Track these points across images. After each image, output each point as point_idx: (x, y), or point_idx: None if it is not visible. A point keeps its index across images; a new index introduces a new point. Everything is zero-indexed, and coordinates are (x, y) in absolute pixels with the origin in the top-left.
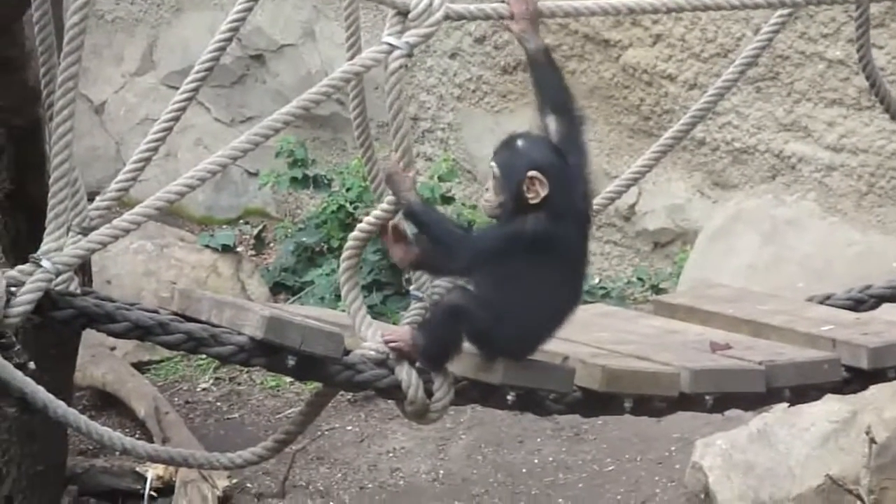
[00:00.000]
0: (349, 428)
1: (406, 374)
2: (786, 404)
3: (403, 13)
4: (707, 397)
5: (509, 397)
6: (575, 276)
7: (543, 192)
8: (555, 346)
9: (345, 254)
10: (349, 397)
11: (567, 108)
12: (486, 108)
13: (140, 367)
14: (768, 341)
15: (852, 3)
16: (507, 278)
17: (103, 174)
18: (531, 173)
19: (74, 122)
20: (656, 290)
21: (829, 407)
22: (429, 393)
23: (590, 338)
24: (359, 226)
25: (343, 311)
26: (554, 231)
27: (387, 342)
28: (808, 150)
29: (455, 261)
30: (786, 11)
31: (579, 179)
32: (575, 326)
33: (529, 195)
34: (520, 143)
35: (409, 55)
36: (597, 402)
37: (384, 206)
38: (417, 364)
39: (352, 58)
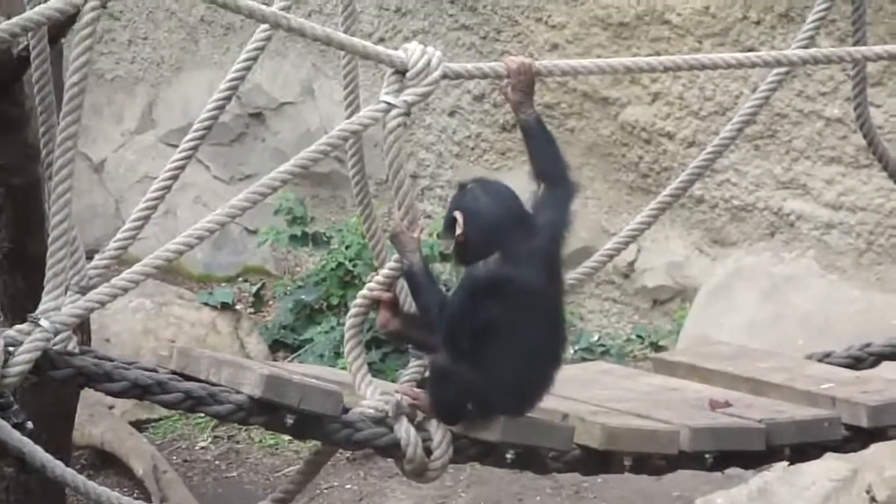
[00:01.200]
0: (348, 486)
1: (405, 433)
2: (786, 462)
3: (401, 72)
4: (707, 455)
5: (508, 455)
6: (551, 327)
7: (458, 231)
8: (554, 404)
9: (352, 311)
10: (348, 455)
11: (558, 175)
12: (484, 166)
13: (138, 425)
14: (768, 399)
15: (849, 63)
16: (483, 331)
17: (102, 232)
18: (455, 213)
19: (73, 181)
20: (656, 347)
21: (830, 465)
22: (428, 451)
23: (589, 395)
24: (367, 285)
25: (342, 368)
26: (508, 273)
27: (408, 403)
28: (807, 208)
29: (435, 331)
30: (783, 70)
31: (539, 232)
32: (574, 384)
33: (457, 235)
34: (468, 186)
35: (407, 114)
36: (596, 461)
37: (392, 264)
38: (416, 421)
39: (350, 115)
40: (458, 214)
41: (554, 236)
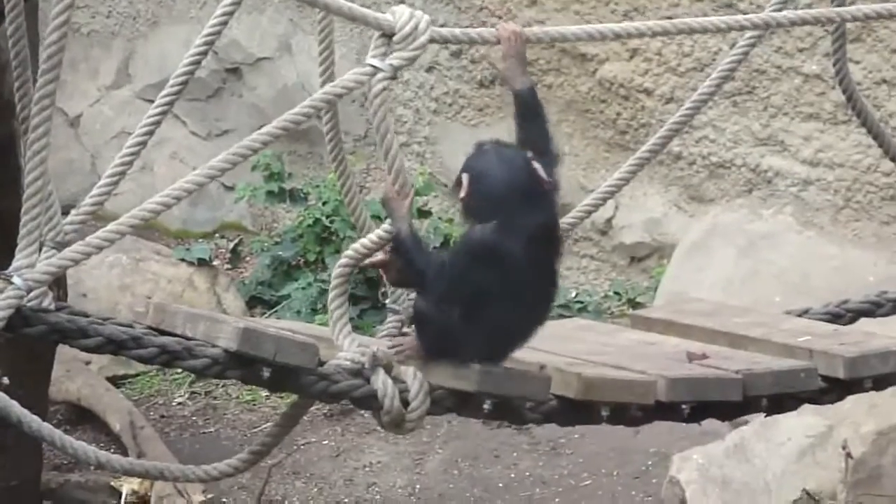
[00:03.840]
0: (325, 442)
1: (382, 384)
2: (762, 416)
3: (388, 35)
4: (683, 406)
5: (485, 406)
6: (539, 293)
7: (461, 193)
8: (531, 356)
9: (341, 261)
10: (325, 411)
11: (545, 150)
12: (462, 122)
13: (115, 381)
14: (745, 352)
15: (836, 23)
16: (470, 285)
17: (78, 188)
18: (462, 174)
19: (50, 137)
20: (633, 304)
21: (806, 421)
22: (405, 402)
23: (566, 349)
24: (361, 241)
25: (321, 325)
26: (497, 243)
27: (396, 352)
28: (785, 165)
29: (432, 291)
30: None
31: (542, 206)
32: (552, 339)
33: (460, 196)
34: (483, 147)
35: (394, 78)
36: (573, 411)
37: (386, 227)
38: (393, 374)
39: (325, 72)
40: (464, 176)
41: (554, 211)
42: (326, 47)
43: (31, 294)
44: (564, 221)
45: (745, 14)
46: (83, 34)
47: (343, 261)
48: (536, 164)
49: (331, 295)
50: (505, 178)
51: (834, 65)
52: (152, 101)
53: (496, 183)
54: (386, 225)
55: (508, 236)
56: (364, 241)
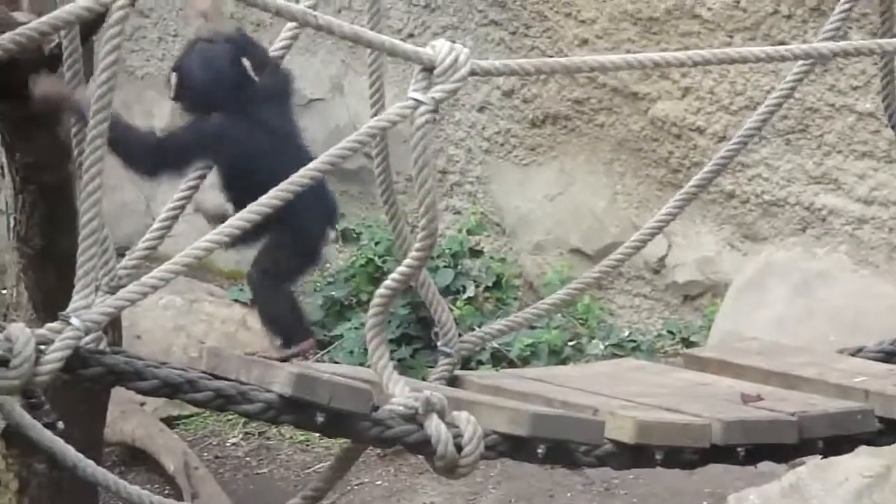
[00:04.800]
0: (378, 483)
1: (435, 429)
2: (818, 457)
3: (429, 69)
4: (739, 449)
5: (539, 450)
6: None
7: (171, 93)
8: (585, 399)
9: (372, 310)
10: (379, 452)
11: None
12: (514, 161)
13: (169, 422)
14: (800, 393)
15: (879, 55)
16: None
17: (133, 230)
18: (170, 73)
19: (104, 178)
20: (686, 343)
21: (863, 462)
22: (458, 447)
23: (619, 391)
24: (385, 283)
25: (369, 366)
26: (217, 131)
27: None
28: (839, 203)
29: (138, 166)
30: (808, 62)
31: (258, 97)
32: (604, 379)
33: (170, 94)
34: (194, 46)
35: (435, 111)
36: (627, 455)
37: (409, 261)
38: (447, 419)
39: (376, 112)
40: (172, 75)
41: (278, 106)
42: (377, 89)
43: (88, 336)
44: (614, 257)
45: None
46: (137, 77)
47: (377, 299)
48: (245, 60)
49: (369, 343)
50: (209, 74)
51: (883, 101)
52: None
53: (201, 81)
54: (414, 253)
55: (229, 124)
56: (394, 274)
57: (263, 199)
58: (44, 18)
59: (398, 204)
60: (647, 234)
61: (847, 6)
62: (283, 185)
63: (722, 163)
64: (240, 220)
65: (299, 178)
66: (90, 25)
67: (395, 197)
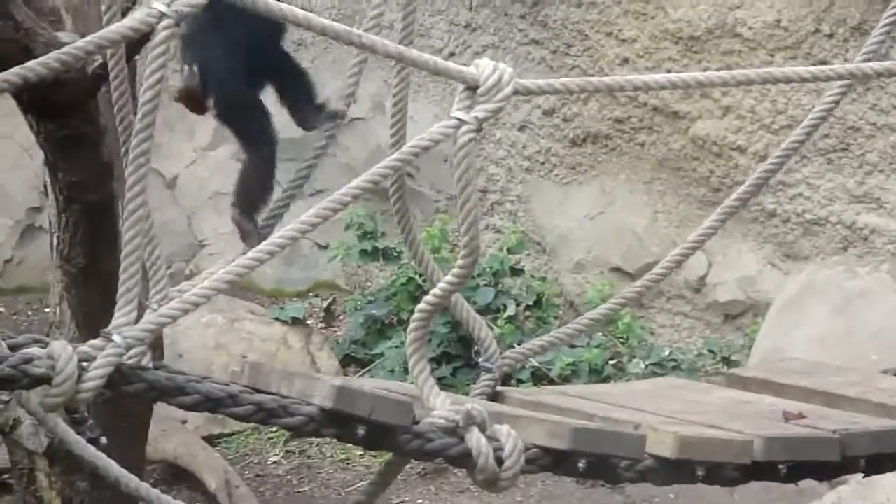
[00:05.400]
0: (419, 501)
1: (476, 443)
2: (860, 475)
3: (472, 88)
4: (780, 466)
5: (580, 464)
6: None
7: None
8: (626, 416)
9: (412, 325)
10: (419, 470)
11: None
12: (554, 180)
13: (211, 440)
14: (842, 411)
15: None
16: None
17: (174, 248)
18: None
19: (147, 197)
20: (727, 362)
21: None
22: (499, 461)
23: (661, 408)
24: (425, 298)
25: (412, 383)
26: None
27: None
28: (881, 222)
29: None
30: (846, 81)
31: None
32: (646, 397)
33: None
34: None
35: (479, 130)
36: (669, 470)
37: (450, 277)
38: (487, 433)
39: (397, 127)
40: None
41: None
42: (400, 108)
43: (131, 352)
44: (654, 273)
45: None
46: None
47: (417, 314)
48: None
49: (410, 358)
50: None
51: None
52: None
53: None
54: (455, 271)
55: None
56: (435, 290)
57: (304, 217)
58: (89, 38)
59: (415, 230)
60: (687, 251)
61: (888, 25)
62: (324, 203)
63: (762, 180)
64: (280, 238)
65: (341, 195)
66: (134, 45)
67: (412, 224)
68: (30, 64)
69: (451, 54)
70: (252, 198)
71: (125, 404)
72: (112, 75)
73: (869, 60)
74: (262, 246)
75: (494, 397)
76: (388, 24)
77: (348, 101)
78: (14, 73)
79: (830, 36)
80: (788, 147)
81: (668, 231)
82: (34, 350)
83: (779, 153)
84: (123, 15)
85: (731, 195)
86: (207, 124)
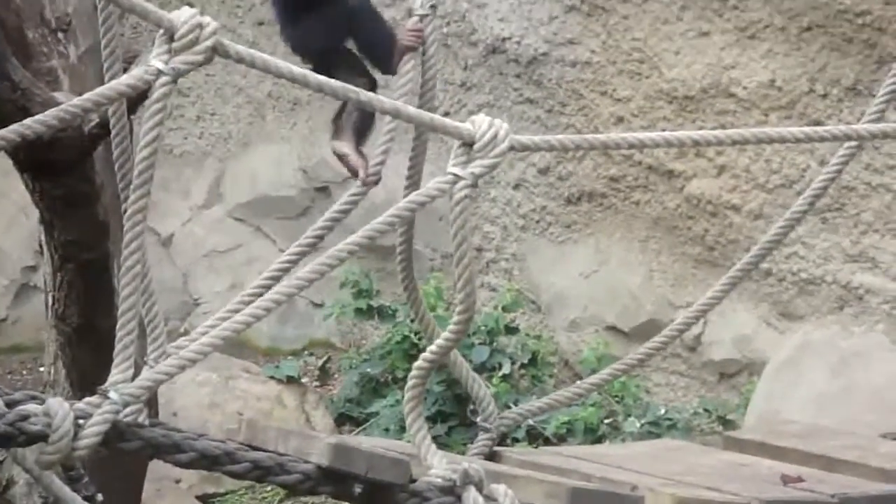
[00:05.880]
0: None
1: (473, 501)
2: None
3: (469, 144)
4: None
5: None
6: None
7: None
8: (623, 476)
9: (409, 383)
10: None
11: None
12: (549, 239)
13: (205, 499)
14: (841, 475)
15: None
16: None
17: (169, 306)
18: None
19: (144, 254)
20: (723, 421)
21: None
22: None
23: (659, 469)
24: (423, 356)
25: (408, 441)
26: None
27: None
28: (876, 282)
29: None
30: (853, 144)
31: None
32: (643, 458)
33: None
34: None
35: (474, 186)
36: None
37: (447, 335)
38: (484, 492)
39: (410, 188)
40: None
41: None
42: (416, 164)
43: (127, 409)
44: (656, 340)
45: None
46: (176, 155)
47: (414, 372)
48: None
49: (408, 416)
50: None
51: None
52: (243, 220)
53: None
54: (451, 327)
55: None
56: (431, 347)
57: (300, 274)
58: (87, 95)
59: (418, 289)
60: (691, 318)
61: (891, 87)
62: (320, 260)
63: (768, 247)
64: (276, 294)
65: (337, 251)
66: (132, 102)
67: (415, 282)
68: (27, 121)
69: (447, 113)
70: (362, 130)
71: (120, 461)
72: (113, 132)
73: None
74: (258, 303)
75: (491, 457)
76: (383, 83)
77: (379, 169)
78: (11, 131)
79: (825, 96)
80: (795, 212)
81: (663, 290)
82: (31, 407)
83: (785, 219)
84: (124, 72)
85: (738, 263)
86: (203, 182)
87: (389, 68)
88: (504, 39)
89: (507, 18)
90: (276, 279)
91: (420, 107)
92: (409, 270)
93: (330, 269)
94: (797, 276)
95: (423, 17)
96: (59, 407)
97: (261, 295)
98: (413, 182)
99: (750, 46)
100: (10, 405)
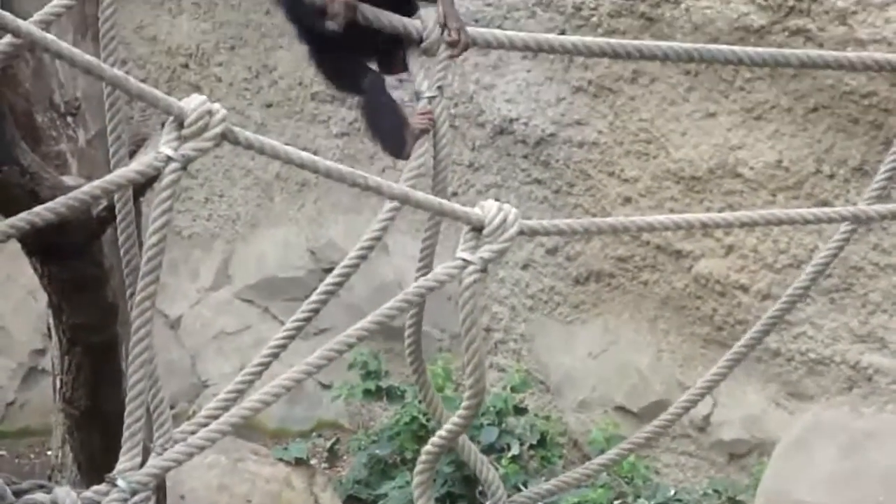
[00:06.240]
0: None
1: None
2: None
3: (478, 229)
4: None
5: None
6: None
7: None
8: None
9: (419, 467)
10: None
11: None
12: (558, 319)
13: None
14: None
15: None
16: None
17: (177, 388)
18: None
19: (152, 340)
20: (733, 502)
21: None
22: None
23: None
24: (432, 440)
25: None
26: None
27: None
28: (885, 362)
29: None
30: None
31: None
32: None
33: None
34: None
35: (484, 271)
36: None
37: (456, 419)
38: None
39: (422, 271)
40: None
41: None
42: (429, 247)
43: (135, 497)
44: (663, 418)
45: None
46: (184, 237)
47: (423, 456)
48: None
49: (417, 501)
50: None
51: None
52: (251, 302)
53: None
54: (460, 412)
55: None
56: (441, 432)
57: (310, 359)
58: (96, 183)
59: (427, 372)
60: (697, 395)
61: (891, 167)
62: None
63: (770, 323)
64: (286, 379)
65: (346, 337)
66: (141, 186)
67: (424, 364)
68: (37, 209)
69: (454, 194)
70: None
71: None
72: (119, 218)
73: (873, 203)
74: (268, 388)
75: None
76: (392, 165)
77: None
78: (21, 219)
79: (831, 177)
80: (797, 290)
81: (672, 370)
82: (38, 496)
83: (785, 298)
84: (131, 156)
85: (741, 339)
86: (211, 264)
87: (402, 154)
88: (512, 120)
89: (514, 100)
90: (277, 355)
91: (433, 188)
92: (418, 353)
93: (339, 355)
94: (806, 356)
95: (431, 98)
96: (67, 496)
97: (263, 370)
98: (426, 264)
99: (756, 127)
100: (18, 494)
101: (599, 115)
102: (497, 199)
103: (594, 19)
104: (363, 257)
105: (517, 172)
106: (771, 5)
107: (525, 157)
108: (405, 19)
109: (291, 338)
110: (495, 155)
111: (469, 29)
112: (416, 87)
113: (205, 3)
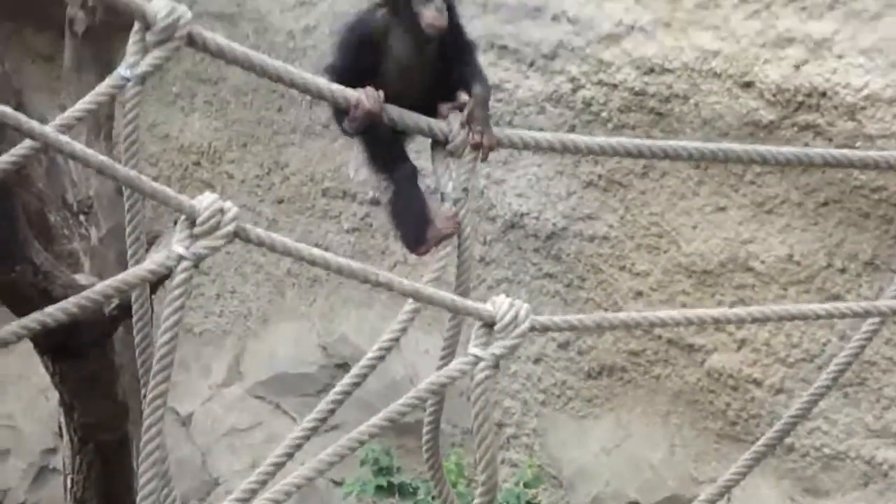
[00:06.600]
0: None
1: None
2: None
3: (489, 325)
4: None
5: None
6: None
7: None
8: None
9: None
10: None
11: None
12: (570, 413)
13: None
14: None
15: None
16: None
17: (189, 486)
18: None
19: (164, 439)
20: None
21: None
22: None
23: None
24: None
25: None
26: None
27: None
28: None
29: None
30: (876, 319)
31: None
32: None
33: None
34: None
35: (496, 367)
36: None
37: None
38: None
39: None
40: None
41: None
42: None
43: None
44: None
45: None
46: (195, 334)
47: None
48: None
49: None
50: None
51: None
52: (263, 398)
53: None
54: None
55: None
56: None
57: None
58: (108, 282)
59: (442, 468)
60: (716, 494)
61: None
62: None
63: (792, 422)
64: (297, 478)
65: (359, 434)
66: (153, 285)
67: (441, 460)
68: (48, 309)
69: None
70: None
71: None
72: (135, 317)
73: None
74: (279, 486)
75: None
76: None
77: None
78: (33, 319)
79: (843, 271)
80: (819, 388)
81: (685, 464)
82: None
83: (807, 396)
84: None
85: (760, 440)
86: (223, 360)
87: (417, 251)
88: (523, 215)
89: (525, 194)
90: (291, 454)
91: (456, 287)
92: (436, 448)
93: (351, 452)
94: (820, 451)
95: (456, 201)
96: None
97: (277, 469)
98: (447, 362)
99: (767, 221)
100: None
101: (610, 210)
102: (508, 294)
103: (604, 114)
104: (381, 358)
105: (528, 267)
106: (780, 101)
107: (536, 251)
108: (431, 121)
109: (307, 438)
110: (506, 249)
111: (495, 129)
112: (441, 188)
113: (217, 101)
